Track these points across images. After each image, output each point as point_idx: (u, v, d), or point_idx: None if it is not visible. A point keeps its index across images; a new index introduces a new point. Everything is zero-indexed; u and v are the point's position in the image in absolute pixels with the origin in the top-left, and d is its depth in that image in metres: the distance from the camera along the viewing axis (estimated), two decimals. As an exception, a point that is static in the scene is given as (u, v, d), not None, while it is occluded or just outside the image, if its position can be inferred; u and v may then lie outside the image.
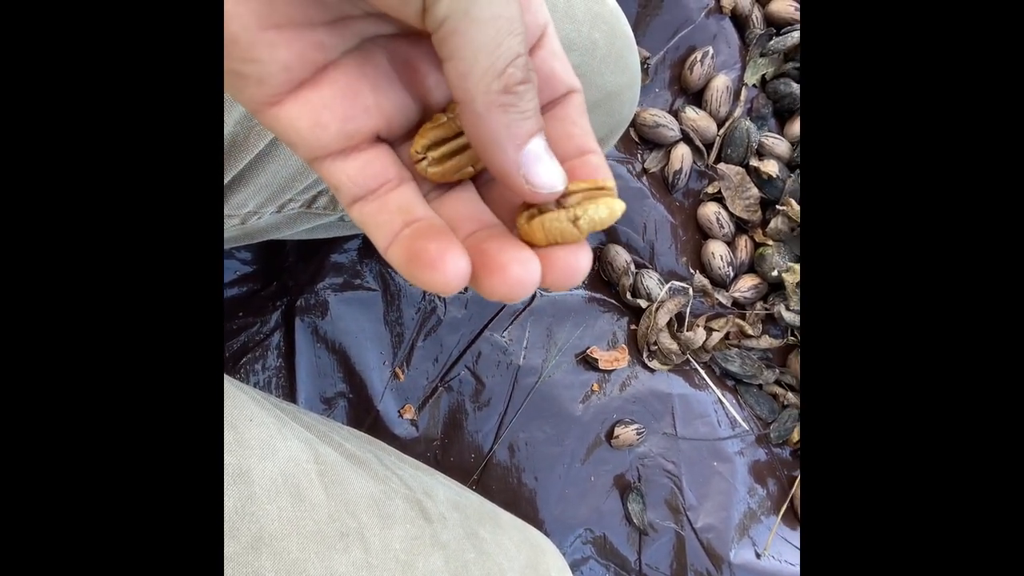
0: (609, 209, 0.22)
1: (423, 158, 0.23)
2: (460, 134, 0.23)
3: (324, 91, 0.22)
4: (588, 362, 0.71)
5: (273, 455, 0.35)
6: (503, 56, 0.20)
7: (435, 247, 0.21)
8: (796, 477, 0.73)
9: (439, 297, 0.68)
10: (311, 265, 0.65)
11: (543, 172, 0.22)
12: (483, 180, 0.25)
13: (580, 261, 0.22)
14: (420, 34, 0.23)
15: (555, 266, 0.22)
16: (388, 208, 0.22)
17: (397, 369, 0.66)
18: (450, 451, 0.66)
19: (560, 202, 0.22)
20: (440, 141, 0.23)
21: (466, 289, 0.69)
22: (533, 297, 0.71)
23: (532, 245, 0.22)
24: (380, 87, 0.23)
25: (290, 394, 0.62)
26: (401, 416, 0.65)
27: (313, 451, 0.37)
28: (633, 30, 0.71)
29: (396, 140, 0.24)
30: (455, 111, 0.23)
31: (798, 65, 0.76)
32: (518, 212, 0.23)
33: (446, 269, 0.20)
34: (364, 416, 0.64)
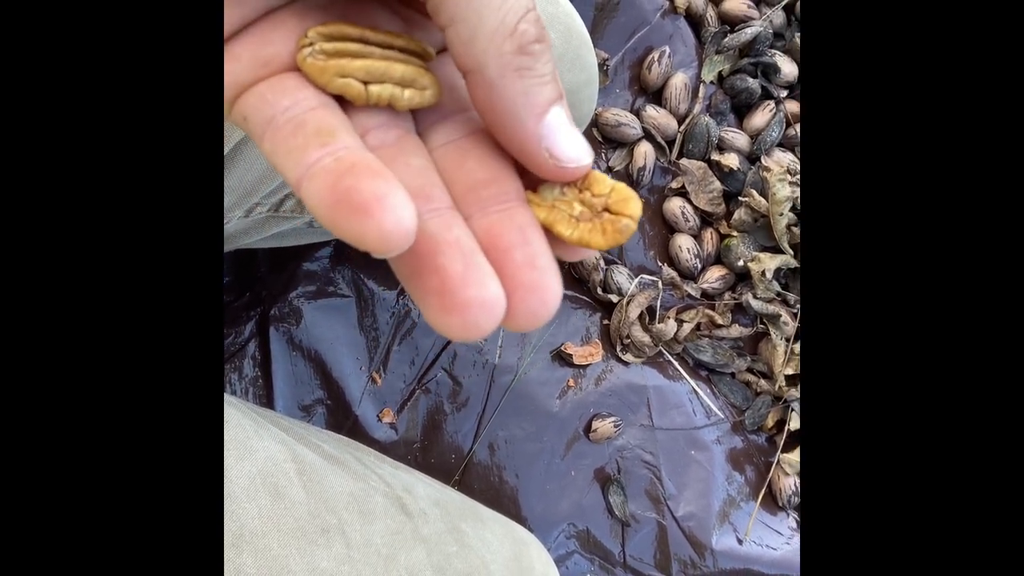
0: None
1: (310, 44, 0.19)
2: (358, 40, 0.19)
3: (242, 34, 0.19)
4: (563, 358, 0.72)
5: (251, 455, 0.35)
6: (512, 11, 0.18)
7: (369, 186, 0.16)
8: (773, 463, 0.75)
9: (413, 301, 0.69)
10: (283, 274, 0.65)
11: (568, 144, 0.19)
12: (436, 144, 0.21)
13: (550, 292, 0.18)
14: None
15: (523, 300, 0.18)
16: (304, 130, 0.17)
17: (374, 374, 0.66)
18: (430, 453, 0.66)
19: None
20: (341, 37, 0.19)
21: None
22: (506, 297, 0.72)
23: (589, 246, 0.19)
24: (308, 15, 0.19)
25: (268, 403, 0.63)
26: (380, 420, 0.66)
27: (291, 451, 0.37)
28: (591, 33, 0.72)
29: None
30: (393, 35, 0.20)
31: (753, 60, 0.78)
32: (559, 220, 0.19)
33: (384, 217, 0.15)
34: (343, 422, 0.65)
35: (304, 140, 0.17)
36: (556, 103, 0.19)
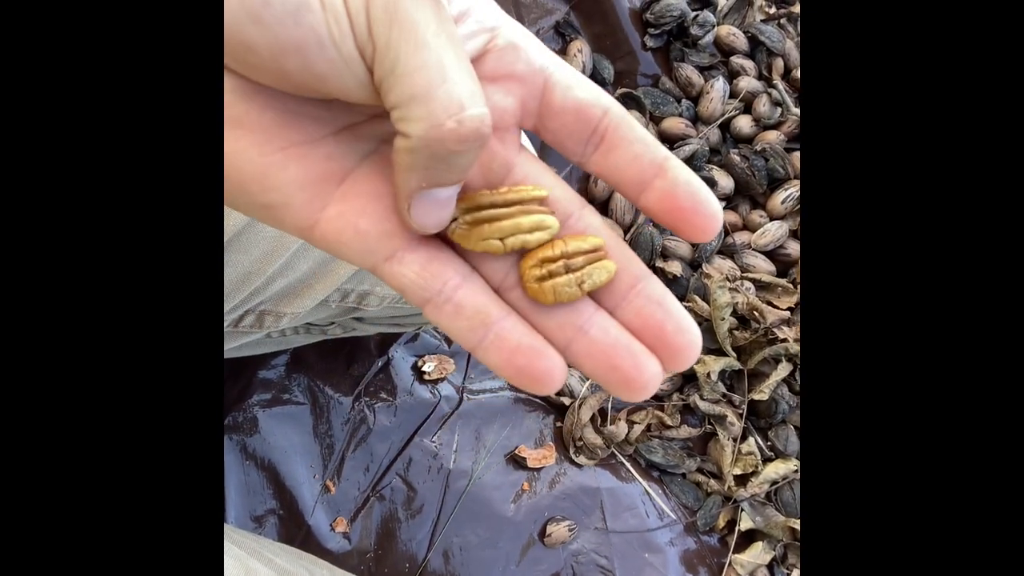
0: (608, 272, 0.24)
1: (455, 219, 0.24)
2: (488, 207, 0.24)
3: (353, 201, 0.23)
4: (517, 461, 0.73)
5: (203, 573, 0.35)
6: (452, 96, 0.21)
7: (543, 366, 0.23)
8: (725, 564, 0.75)
9: (368, 407, 0.70)
10: (239, 383, 0.66)
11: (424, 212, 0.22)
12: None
13: (697, 341, 0.24)
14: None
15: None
16: (464, 313, 0.23)
17: (328, 482, 0.66)
18: (384, 562, 0.66)
19: (568, 266, 0.24)
20: (476, 207, 0.24)
21: (394, 396, 0.71)
22: (461, 400, 0.73)
23: (537, 301, 0.24)
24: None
25: (218, 515, 0.62)
26: (333, 530, 0.65)
27: (244, 566, 0.37)
28: (540, 149, 0.77)
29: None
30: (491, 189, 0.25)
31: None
32: (526, 269, 0.24)
33: (554, 382, 0.23)
34: (295, 532, 0.64)
35: (468, 323, 0.23)
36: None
